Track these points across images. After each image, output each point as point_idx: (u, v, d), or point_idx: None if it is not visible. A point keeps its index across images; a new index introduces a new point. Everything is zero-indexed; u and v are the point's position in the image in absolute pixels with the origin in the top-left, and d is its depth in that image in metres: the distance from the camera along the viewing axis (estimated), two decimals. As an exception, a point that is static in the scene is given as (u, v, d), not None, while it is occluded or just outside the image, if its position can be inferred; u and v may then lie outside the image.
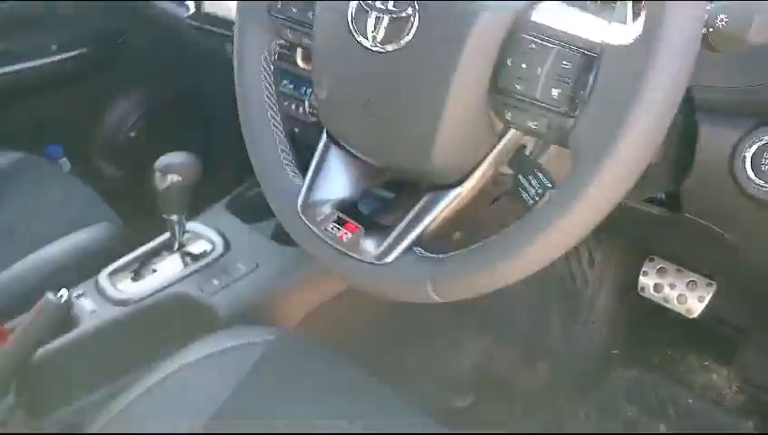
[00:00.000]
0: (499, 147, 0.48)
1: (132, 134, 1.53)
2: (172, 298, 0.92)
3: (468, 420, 1.12)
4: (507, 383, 1.17)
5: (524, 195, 0.49)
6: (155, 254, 0.99)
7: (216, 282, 0.94)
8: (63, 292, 0.83)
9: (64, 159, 1.47)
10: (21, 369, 0.78)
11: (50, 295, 0.79)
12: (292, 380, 0.77)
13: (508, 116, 0.45)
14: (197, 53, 1.18)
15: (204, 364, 0.78)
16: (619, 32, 0.40)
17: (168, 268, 0.97)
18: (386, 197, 0.92)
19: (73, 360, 0.85)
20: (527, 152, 0.49)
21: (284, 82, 0.76)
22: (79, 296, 0.91)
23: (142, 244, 1.00)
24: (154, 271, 0.97)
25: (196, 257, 0.98)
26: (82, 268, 0.97)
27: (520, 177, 0.48)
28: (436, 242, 0.52)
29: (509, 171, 0.50)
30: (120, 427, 0.72)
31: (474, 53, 0.44)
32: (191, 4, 1.10)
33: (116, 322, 0.89)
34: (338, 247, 0.54)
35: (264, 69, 0.60)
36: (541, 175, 0.48)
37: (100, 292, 0.91)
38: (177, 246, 0.98)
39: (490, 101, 0.46)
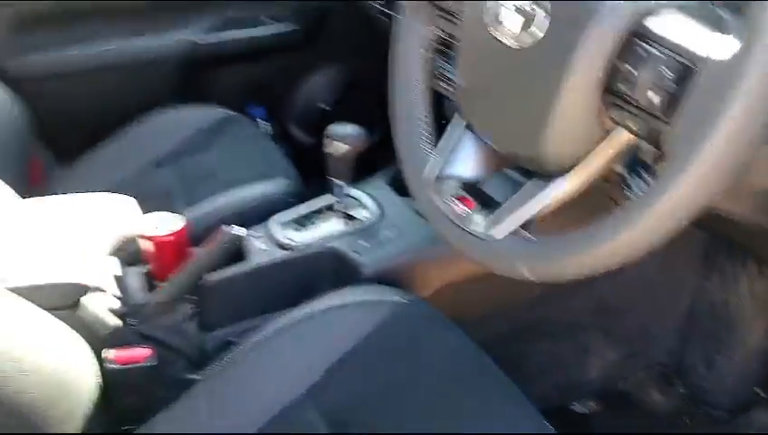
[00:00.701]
0: (606, 143, 0.51)
1: (324, 105, 1.70)
2: (326, 251, 1.04)
3: (585, 427, 1.11)
4: (635, 399, 1.15)
5: (629, 192, 0.51)
6: (319, 211, 1.12)
7: (365, 243, 1.04)
8: (241, 230, 0.97)
9: (266, 123, 1.68)
10: (195, 286, 0.94)
11: (228, 228, 0.94)
12: (413, 346, 0.84)
13: (614, 115, 0.48)
14: (385, 36, 1.29)
15: (335, 313, 0.89)
16: (722, 45, 0.41)
17: (328, 225, 1.09)
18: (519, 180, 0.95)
19: (237, 288, 1.00)
20: (638, 152, 0.52)
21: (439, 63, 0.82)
22: (252, 236, 1.06)
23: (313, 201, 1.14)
24: (315, 224, 1.10)
25: (352, 219, 1.10)
26: (261, 213, 1.13)
27: (626, 174, 0.51)
28: (542, 224, 0.56)
29: (620, 169, 0.53)
30: (253, 358, 0.85)
31: (592, 54, 0.48)
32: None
33: (277, 263, 1.02)
34: (452, 219, 0.60)
35: (418, 52, 0.67)
36: (647, 175, 0.50)
37: (269, 235, 1.06)
38: (337, 207, 1.10)
39: (600, 100, 0.49)
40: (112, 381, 0.81)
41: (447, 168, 0.66)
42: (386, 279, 0.99)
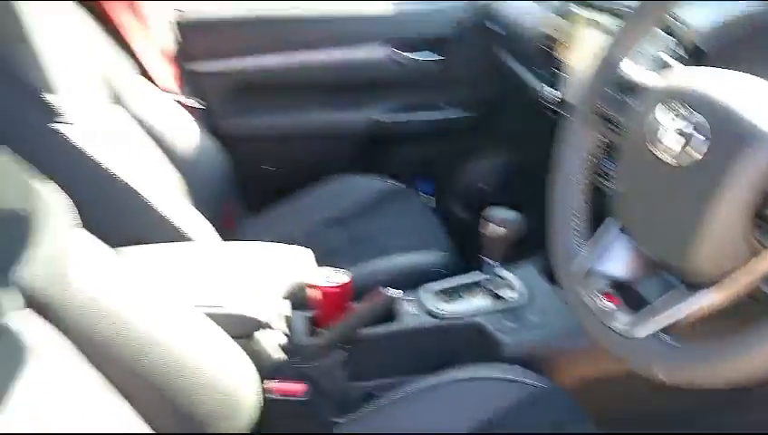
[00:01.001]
0: (753, 263, 0.53)
1: (485, 186, 1.79)
2: (471, 325, 1.10)
3: None
4: None
5: (773, 313, 0.53)
6: (468, 286, 1.19)
7: (510, 324, 1.09)
8: (396, 292, 1.07)
9: (430, 196, 1.80)
10: (350, 337, 1.04)
11: (385, 290, 1.04)
12: (544, 432, 0.87)
13: (763, 239, 0.51)
14: (551, 130, 1.37)
15: (474, 384, 0.94)
16: None
17: (475, 301, 1.15)
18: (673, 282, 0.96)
19: (386, 345, 1.09)
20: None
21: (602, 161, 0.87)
22: (405, 300, 1.15)
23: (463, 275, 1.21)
24: (461, 296, 1.17)
25: (499, 298, 1.15)
26: (414, 280, 1.23)
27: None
28: (683, 330, 0.59)
29: (766, 288, 0.55)
30: (390, 413, 0.92)
31: (746, 180, 0.52)
32: (551, 90, 1.29)
33: (424, 328, 1.10)
34: (596, 314, 0.65)
35: (582, 154, 0.74)
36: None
37: (420, 302, 1.14)
38: (486, 284, 1.17)
39: (750, 222, 0.52)
40: (268, 409, 0.92)
41: (597, 264, 0.70)
42: (526, 362, 1.03)
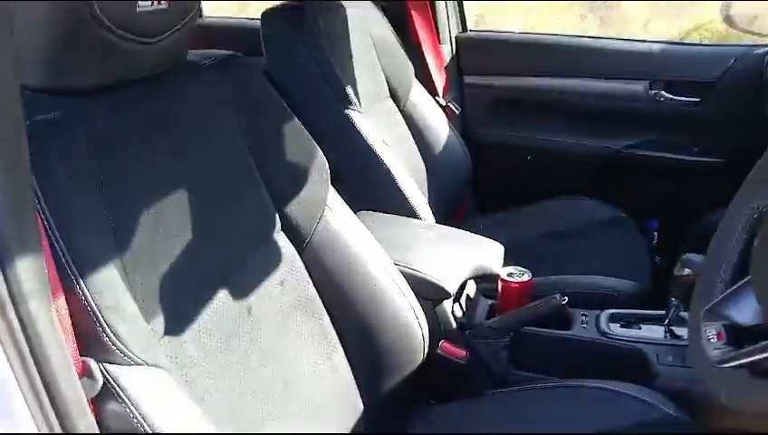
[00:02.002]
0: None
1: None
2: (632, 349, 1.18)
3: None
4: None
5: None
6: (648, 318, 1.25)
7: (671, 359, 1.15)
8: (564, 299, 1.19)
9: (655, 232, 1.83)
10: (517, 329, 1.21)
11: (560, 298, 1.18)
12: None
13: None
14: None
15: (610, 395, 1.04)
16: None
17: (649, 332, 1.22)
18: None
19: (545, 345, 1.23)
20: None
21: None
22: (583, 314, 1.27)
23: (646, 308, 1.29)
24: (639, 328, 1.24)
25: (674, 337, 1.21)
26: (602, 301, 1.33)
27: None
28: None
29: None
30: (527, 399, 1.06)
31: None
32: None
33: (587, 340, 1.22)
34: (703, 341, 0.74)
35: (750, 215, 0.80)
36: None
37: (596, 320, 1.25)
38: (666, 320, 1.22)
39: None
40: (434, 361, 1.14)
41: (724, 307, 0.78)
42: (673, 396, 1.09)
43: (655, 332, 1.22)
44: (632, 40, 1.92)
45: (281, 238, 0.99)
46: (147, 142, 0.79)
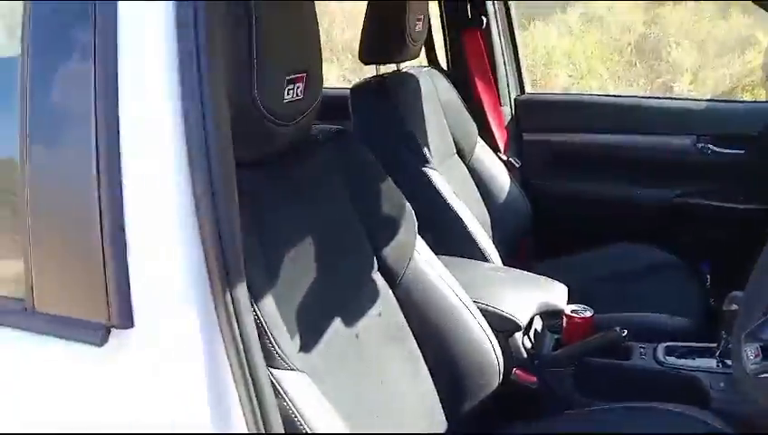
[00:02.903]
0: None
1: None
2: (688, 377, 1.32)
3: None
4: None
5: None
6: (701, 351, 1.39)
7: (722, 385, 1.28)
8: (623, 332, 1.34)
9: (708, 275, 1.95)
10: (579, 358, 1.36)
11: (619, 331, 1.34)
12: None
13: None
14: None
15: (667, 415, 1.19)
16: None
17: (703, 362, 1.36)
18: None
19: (604, 373, 1.37)
20: None
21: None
22: (641, 347, 1.41)
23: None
24: (693, 359, 1.38)
25: (726, 366, 1.34)
26: (657, 336, 1.47)
27: None
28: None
29: None
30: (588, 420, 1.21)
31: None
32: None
33: (645, 368, 1.36)
34: (743, 355, 0.90)
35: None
36: None
37: (654, 352, 1.39)
38: (717, 353, 1.36)
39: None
40: (508, 385, 1.31)
41: (760, 330, 0.94)
42: (727, 417, 1.22)
43: (707, 362, 1.35)
44: (679, 98, 2.09)
45: (378, 278, 1.19)
46: (288, 202, 1.01)
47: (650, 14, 6.10)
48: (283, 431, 0.73)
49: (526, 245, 2.07)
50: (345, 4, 5.86)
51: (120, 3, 0.66)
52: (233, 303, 0.67)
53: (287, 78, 0.95)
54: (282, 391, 0.82)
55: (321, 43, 1.04)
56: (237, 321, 0.67)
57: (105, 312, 0.66)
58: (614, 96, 2.16)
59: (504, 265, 1.72)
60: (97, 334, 0.66)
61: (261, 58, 0.90)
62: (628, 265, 1.88)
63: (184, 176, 0.67)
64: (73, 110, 0.67)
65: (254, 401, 0.69)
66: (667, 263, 1.86)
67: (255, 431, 0.70)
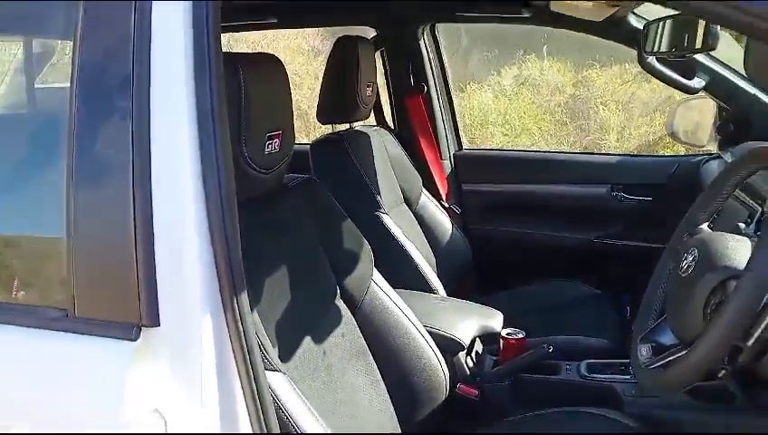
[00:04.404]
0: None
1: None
2: (606, 387, 1.55)
3: None
4: None
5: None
6: (617, 365, 1.62)
7: (633, 392, 1.51)
8: (550, 349, 1.57)
9: (627, 306, 2.22)
10: (513, 375, 1.58)
11: (546, 347, 1.56)
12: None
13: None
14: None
15: (585, 416, 1.41)
16: None
17: (618, 376, 1.59)
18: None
19: (540, 385, 1.59)
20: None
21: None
22: (567, 365, 1.64)
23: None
24: (609, 373, 1.61)
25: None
26: (581, 354, 1.70)
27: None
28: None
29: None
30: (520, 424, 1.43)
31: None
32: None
33: (570, 381, 1.59)
34: (638, 354, 1.13)
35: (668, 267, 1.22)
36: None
37: (577, 368, 1.62)
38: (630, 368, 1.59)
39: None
40: (453, 398, 1.51)
41: (655, 334, 1.18)
42: (637, 417, 1.44)
43: (622, 375, 1.59)
44: (597, 153, 2.40)
45: (341, 304, 1.39)
46: (264, 238, 1.21)
47: (579, 76, 6.62)
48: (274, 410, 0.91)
49: (468, 281, 2.30)
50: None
51: (152, 74, 0.86)
52: (238, 308, 0.86)
53: (267, 134, 1.16)
54: (270, 388, 1.00)
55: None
56: (242, 322, 0.86)
57: (137, 314, 0.84)
58: (541, 151, 2.45)
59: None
60: (131, 332, 0.83)
61: (248, 118, 1.11)
62: (556, 298, 2.13)
63: (202, 208, 0.87)
64: (113, 157, 0.86)
65: (254, 390, 0.87)
66: (591, 295, 2.12)
67: (256, 415, 0.88)
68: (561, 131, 6.28)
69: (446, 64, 2.42)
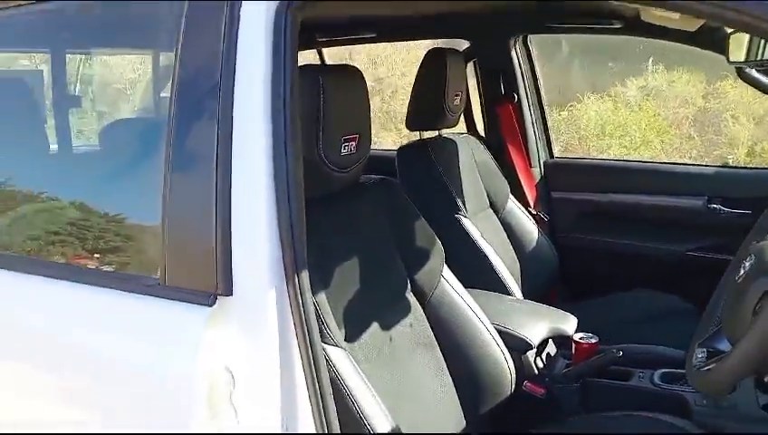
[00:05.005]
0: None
1: None
2: (675, 395, 1.54)
3: None
4: None
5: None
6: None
7: (705, 402, 1.49)
8: (619, 353, 1.58)
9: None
10: (583, 376, 1.60)
11: (615, 351, 1.58)
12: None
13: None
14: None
15: (647, 420, 1.41)
16: None
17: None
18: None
19: (610, 390, 1.60)
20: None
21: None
22: (639, 372, 1.64)
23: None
24: (684, 383, 1.59)
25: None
26: (657, 363, 1.69)
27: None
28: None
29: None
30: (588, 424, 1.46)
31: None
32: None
33: (640, 388, 1.58)
34: (694, 356, 1.15)
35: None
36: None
37: (651, 375, 1.61)
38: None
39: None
40: (518, 395, 1.56)
41: (709, 340, 1.18)
42: (706, 426, 1.43)
43: (696, 385, 1.57)
44: (694, 164, 2.34)
45: (411, 296, 1.49)
46: (340, 230, 1.34)
47: (710, 88, 6.30)
48: (329, 380, 1.03)
49: (554, 289, 2.32)
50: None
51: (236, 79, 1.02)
52: (299, 285, 0.99)
53: (343, 137, 1.29)
54: (329, 359, 1.12)
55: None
56: (302, 296, 0.99)
57: (214, 285, 0.99)
58: (633, 161, 2.42)
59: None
60: (209, 299, 0.99)
61: (325, 122, 1.24)
62: (644, 309, 2.11)
63: (272, 199, 1.01)
64: (202, 153, 1.02)
65: (311, 357, 1.00)
66: (681, 307, 2.08)
67: (311, 378, 1.00)
68: (686, 145, 6.01)
69: (539, 74, 2.46)
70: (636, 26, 2.06)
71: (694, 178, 2.31)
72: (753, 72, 1.89)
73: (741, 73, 1.91)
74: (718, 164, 2.24)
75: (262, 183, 1.00)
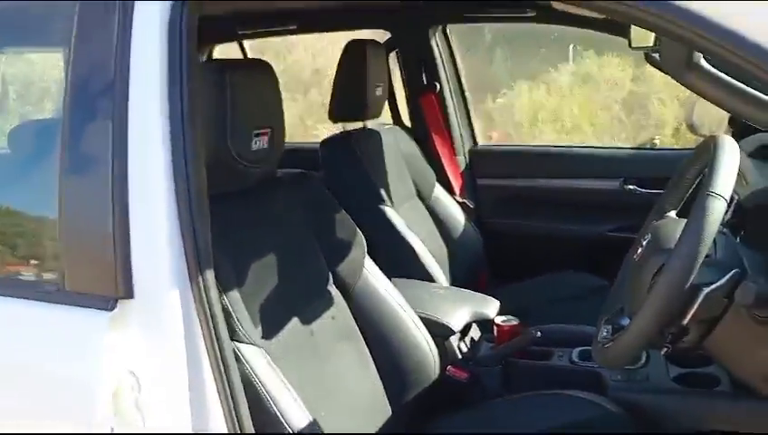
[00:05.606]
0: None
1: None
2: (592, 372, 1.59)
3: None
4: None
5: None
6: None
7: (620, 377, 1.55)
8: (538, 333, 1.63)
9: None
10: (506, 358, 1.64)
11: (533, 331, 1.62)
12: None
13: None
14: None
15: (568, 399, 1.46)
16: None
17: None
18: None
19: (526, 371, 1.65)
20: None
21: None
22: (557, 351, 1.69)
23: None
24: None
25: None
26: (577, 343, 1.75)
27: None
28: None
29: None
30: (504, 406, 1.50)
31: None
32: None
33: (559, 367, 1.64)
34: (599, 334, 1.19)
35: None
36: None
37: (569, 354, 1.67)
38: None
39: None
40: (443, 380, 1.59)
41: (614, 317, 1.23)
42: (620, 401, 1.48)
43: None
44: (609, 147, 2.42)
45: (333, 289, 1.49)
46: (253, 224, 1.33)
47: (638, 72, 6.49)
48: (241, 379, 1.03)
49: (480, 274, 2.37)
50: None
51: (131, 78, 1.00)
52: (203, 282, 0.98)
53: (254, 132, 1.28)
54: (242, 357, 1.12)
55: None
56: (206, 295, 0.98)
57: (114, 288, 0.97)
58: (553, 146, 2.49)
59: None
60: (109, 303, 0.97)
61: (233, 117, 1.23)
62: (566, 289, 2.18)
63: (172, 198, 0.99)
64: (97, 154, 1.00)
65: (218, 355, 0.99)
66: (601, 287, 2.15)
67: (220, 378, 1.00)
68: (616, 128, 6.19)
69: (460, 64, 2.49)
70: (549, 15, 2.10)
71: (610, 160, 2.40)
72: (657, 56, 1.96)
73: (647, 57, 1.98)
74: (633, 145, 2.33)
75: (160, 183, 0.99)
